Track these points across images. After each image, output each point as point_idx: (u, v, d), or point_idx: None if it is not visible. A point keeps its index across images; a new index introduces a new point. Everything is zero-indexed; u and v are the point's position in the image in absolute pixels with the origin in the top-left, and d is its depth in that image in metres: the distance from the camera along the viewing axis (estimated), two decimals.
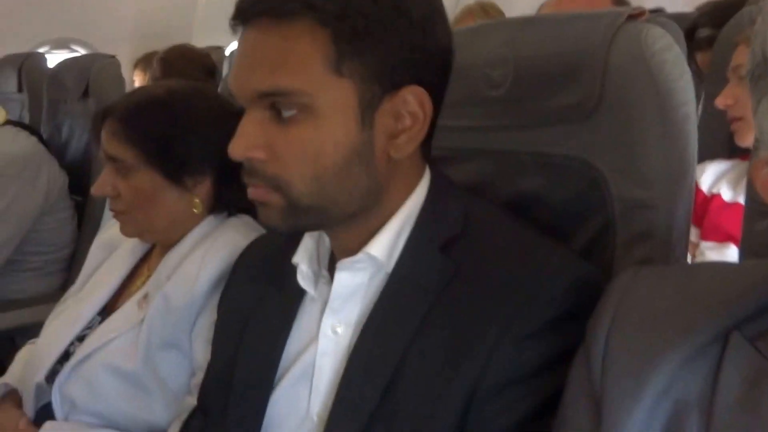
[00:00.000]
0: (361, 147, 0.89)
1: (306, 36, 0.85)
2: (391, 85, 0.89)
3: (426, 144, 0.97)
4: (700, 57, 2.15)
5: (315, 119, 0.87)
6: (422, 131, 0.92)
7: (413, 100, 0.90)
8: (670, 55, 0.93)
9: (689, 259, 1.00)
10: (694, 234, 1.70)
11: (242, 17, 0.89)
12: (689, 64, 0.92)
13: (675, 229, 0.95)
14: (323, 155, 0.88)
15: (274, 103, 0.88)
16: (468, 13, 2.81)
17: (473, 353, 0.85)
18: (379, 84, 0.88)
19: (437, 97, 0.94)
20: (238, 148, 0.90)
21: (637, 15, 0.96)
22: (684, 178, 0.94)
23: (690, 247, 0.99)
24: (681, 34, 0.96)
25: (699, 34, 2.17)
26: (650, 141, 0.93)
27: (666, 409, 0.69)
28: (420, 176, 0.98)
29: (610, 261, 0.96)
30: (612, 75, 0.94)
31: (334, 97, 0.87)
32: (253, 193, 0.93)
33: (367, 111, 0.89)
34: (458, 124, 1.10)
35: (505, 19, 1.13)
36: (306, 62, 0.86)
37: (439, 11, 0.93)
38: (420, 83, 0.90)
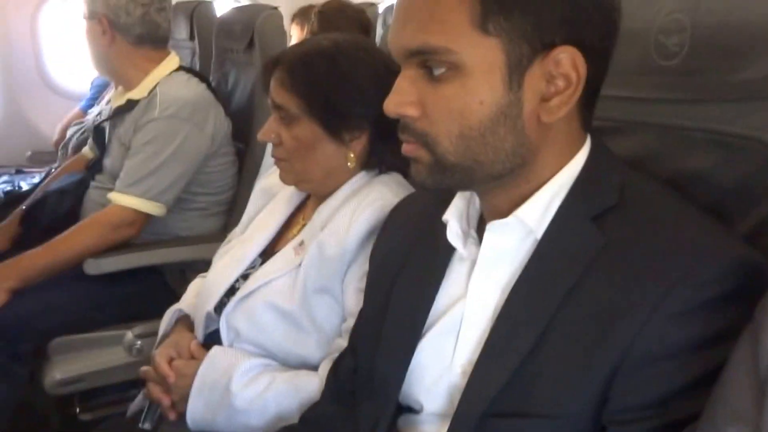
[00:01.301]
0: (508, 108, 0.86)
1: None
2: (542, 45, 0.84)
3: (587, 111, 0.93)
4: None
5: (462, 77, 0.85)
6: (575, 95, 0.87)
7: (567, 61, 0.85)
8: None
9: None
10: None
11: None
12: None
13: None
14: (468, 114, 0.86)
15: (426, 60, 0.86)
16: None
17: (622, 325, 0.81)
18: (529, 43, 0.84)
19: (598, 59, 0.88)
20: (391, 105, 0.89)
21: None
22: None
23: None
24: None
25: None
26: None
27: None
28: (578, 144, 0.94)
29: None
30: None
31: (480, 56, 0.84)
32: (405, 148, 0.92)
33: (516, 71, 0.85)
34: (623, 94, 1.03)
35: None
36: (452, 20, 0.83)
37: None
38: (575, 44, 0.85)
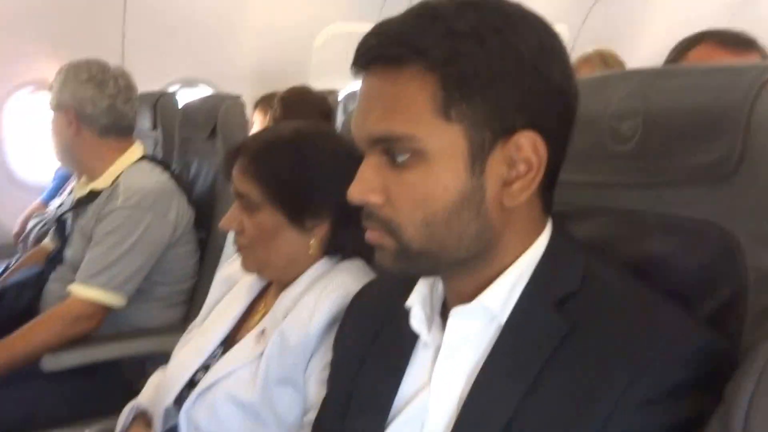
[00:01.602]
0: (471, 193, 0.85)
1: (415, 81, 0.83)
2: (503, 130, 0.84)
3: (547, 195, 0.92)
4: None
5: (426, 164, 0.84)
6: (537, 179, 0.87)
7: (527, 145, 0.85)
8: None
9: None
10: None
11: (358, 64, 0.88)
12: None
13: None
14: (432, 200, 0.85)
15: (389, 148, 0.86)
16: (585, 61, 2.70)
17: (589, 415, 0.79)
18: (491, 129, 0.84)
19: (557, 142, 0.88)
20: (355, 193, 0.88)
21: None
22: None
23: None
24: None
25: None
26: None
27: None
28: (540, 228, 0.93)
29: (738, 332, 0.86)
30: (756, 134, 0.84)
31: (443, 143, 0.83)
32: (369, 235, 0.91)
33: (478, 157, 0.84)
34: (581, 178, 1.03)
35: (634, 69, 1.02)
36: (415, 107, 0.83)
37: (554, 51, 0.87)
38: (535, 128, 0.85)
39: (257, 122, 4.16)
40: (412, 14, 0.85)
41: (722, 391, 0.74)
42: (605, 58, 2.70)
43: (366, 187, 0.87)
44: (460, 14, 0.83)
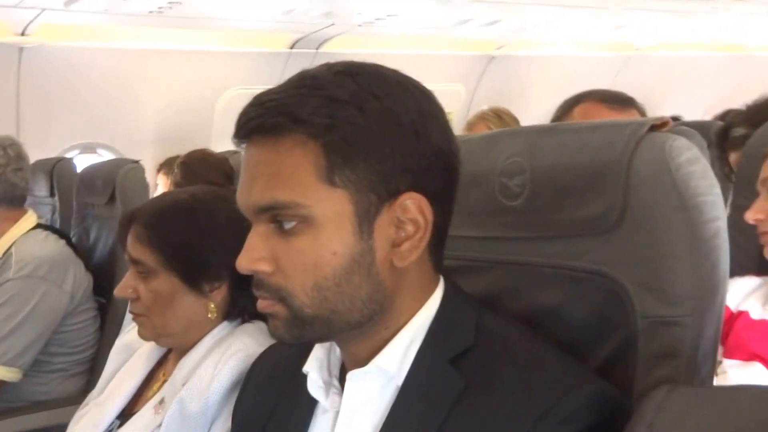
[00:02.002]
0: (361, 256, 0.84)
1: (297, 149, 0.82)
2: (388, 192, 0.84)
3: (437, 253, 0.91)
4: (734, 157, 1.99)
5: (313, 230, 0.83)
6: (425, 238, 0.86)
7: (413, 207, 0.85)
8: (697, 168, 0.84)
9: None
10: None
11: (239, 135, 0.86)
12: (721, 167, 0.84)
13: (701, 349, 0.84)
14: (322, 265, 0.84)
15: (276, 215, 0.84)
16: (481, 118, 2.78)
17: None
18: (375, 192, 0.83)
19: (442, 203, 0.88)
20: (244, 262, 0.86)
21: (660, 125, 0.87)
22: (714, 296, 0.84)
23: None
24: (704, 144, 0.87)
25: (734, 134, 2.02)
26: (678, 257, 0.83)
27: None
28: (432, 286, 0.92)
29: (630, 379, 0.86)
30: (635, 188, 0.85)
31: (329, 208, 0.83)
32: (260, 304, 0.88)
33: (365, 220, 0.84)
34: (474, 233, 1.02)
35: (521, 127, 1.03)
36: (299, 175, 0.82)
37: (432, 114, 0.87)
38: (419, 190, 0.85)
39: (161, 185, 4.08)
40: (291, 84, 0.85)
41: None
42: (500, 115, 2.79)
43: (255, 256, 0.85)
44: (339, 82, 0.83)
